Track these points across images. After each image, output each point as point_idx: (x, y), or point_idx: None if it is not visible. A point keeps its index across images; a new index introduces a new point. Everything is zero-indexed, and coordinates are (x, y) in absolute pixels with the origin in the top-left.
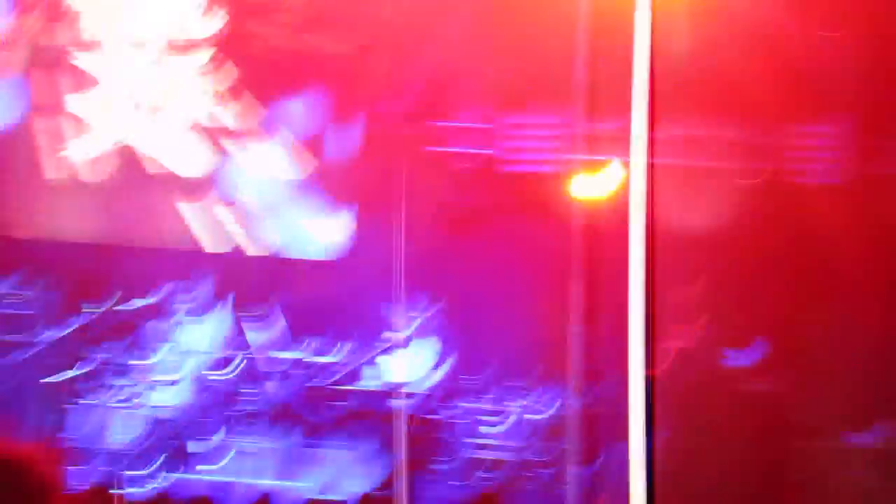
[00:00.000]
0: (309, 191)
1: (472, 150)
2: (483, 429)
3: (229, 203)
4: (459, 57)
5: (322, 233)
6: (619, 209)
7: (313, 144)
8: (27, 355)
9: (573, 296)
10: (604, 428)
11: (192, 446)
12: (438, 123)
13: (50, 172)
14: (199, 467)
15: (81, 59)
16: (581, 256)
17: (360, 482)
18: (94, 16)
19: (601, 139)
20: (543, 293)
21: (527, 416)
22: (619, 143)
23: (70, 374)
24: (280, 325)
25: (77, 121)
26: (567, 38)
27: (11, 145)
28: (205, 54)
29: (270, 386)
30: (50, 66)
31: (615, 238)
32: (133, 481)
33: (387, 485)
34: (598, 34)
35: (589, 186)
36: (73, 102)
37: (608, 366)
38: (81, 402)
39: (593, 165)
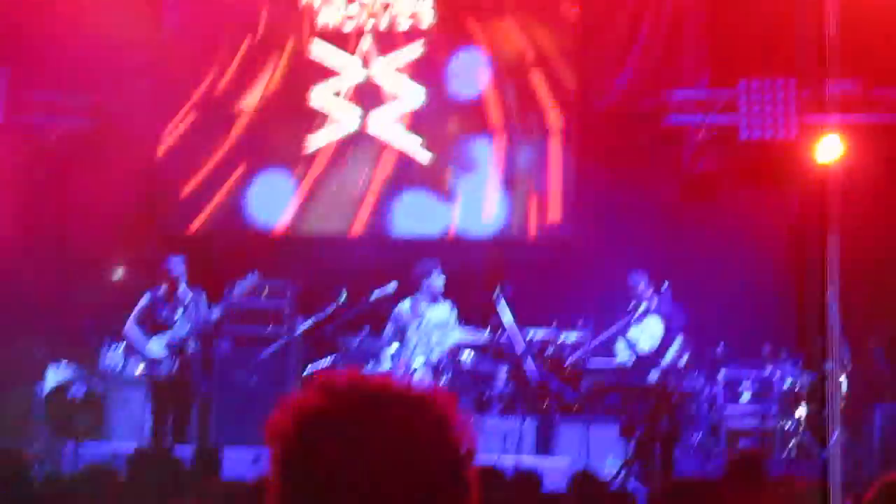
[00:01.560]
0: (546, 167)
1: (713, 119)
2: (741, 396)
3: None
4: (698, 24)
5: (560, 210)
6: (867, 172)
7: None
8: (281, 347)
9: (828, 260)
10: (861, 393)
11: None
12: (676, 93)
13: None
14: None
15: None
16: (831, 220)
17: (613, 457)
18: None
19: (844, 101)
20: (791, 259)
21: (781, 382)
22: (863, 105)
23: (324, 363)
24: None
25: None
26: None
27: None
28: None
29: (520, 365)
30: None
31: (865, 202)
32: None
33: (639, 458)
34: None
35: (834, 150)
36: (315, 93)
37: (863, 331)
38: None
39: (836, 128)
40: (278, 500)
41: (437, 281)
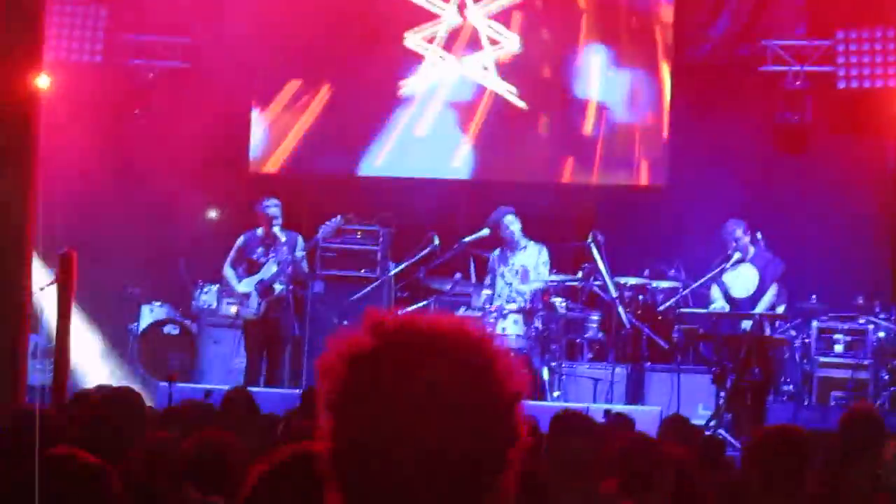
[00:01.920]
0: (642, 116)
1: (809, 68)
2: (834, 346)
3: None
4: None
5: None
6: None
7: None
8: (373, 290)
9: None
10: None
11: (544, 373)
12: (772, 42)
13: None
14: (551, 394)
15: None
16: None
17: (703, 406)
18: None
19: None
20: (883, 210)
21: (874, 334)
22: None
23: (418, 306)
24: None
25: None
26: None
27: None
28: None
29: (612, 312)
30: None
31: None
32: None
33: (731, 407)
34: None
35: None
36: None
37: None
38: None
39: None
40: (326, 439)
41: (513, 227)
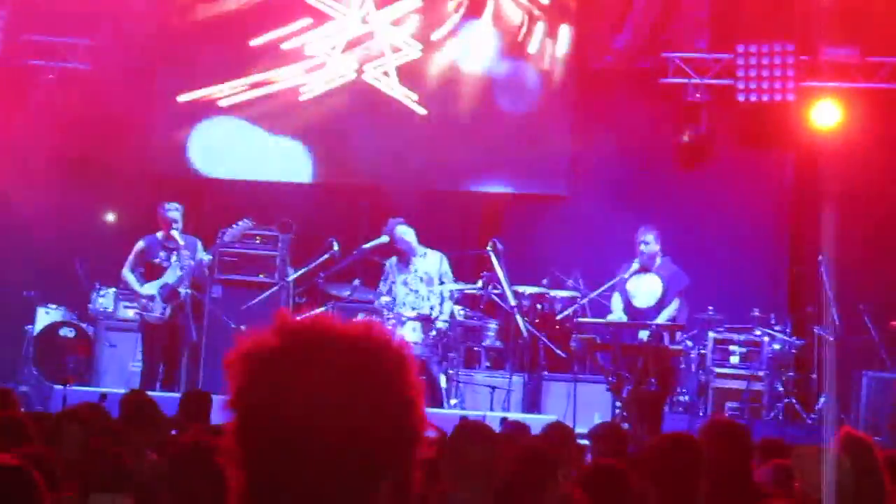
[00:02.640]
0: (543, 125)
1: (709, 81)
2: (730, 358)
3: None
4: None
5: (555, 168)
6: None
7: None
8: (272, 295)
9: (823, 224)
10: (851, 358)
11: (441, 381)
12: (674, 55)
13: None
14: (448, 402)
15: None
16: (826, 186)
17: (600, 415)
18: None
19: (840, 66)
20: (784, 223)
21: (770, 346)
22: (857, 71)
23: (316, 311)
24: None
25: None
26: None
27: None
28: None
29: (511, 320)
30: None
31: (859, 165)
32: None
33: (629, 416)
34: None
35: (829, 115)
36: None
37: (855, 296)
38: None
39: (832, 93)
40: (230, 436)
41: (407, 235)
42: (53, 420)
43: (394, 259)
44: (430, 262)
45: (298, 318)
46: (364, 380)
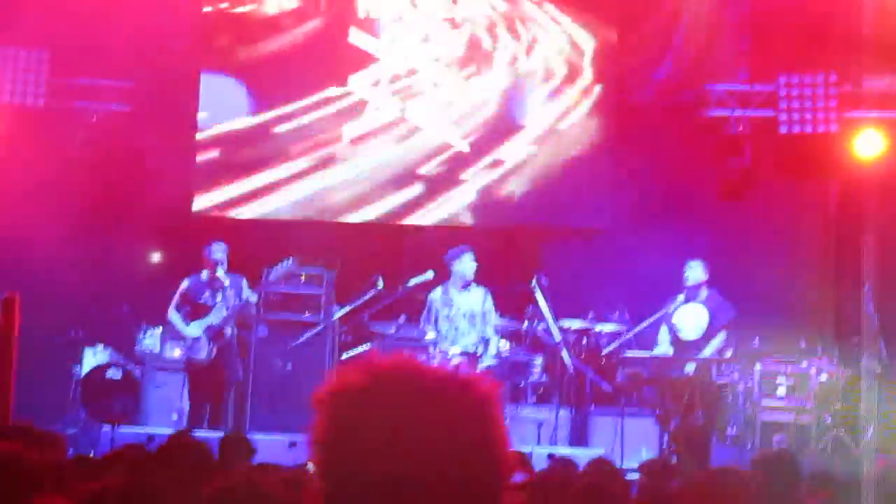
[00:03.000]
0: (584, 162)
1: (751, 113)
2: (777, 390)
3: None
4: (737, 17)
5: (598, 202)
6: None
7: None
8: (317, 334)
9: (864, 254)
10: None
11: None
12: (716, 87)
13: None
14: None
15: (359, 38)
16: (867, 217)
17: (647, 449)
18: None
19: (883, 96)
20: (825, 254)
21: (817, 378)
22: None
23: (362, 349)
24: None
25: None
26: None
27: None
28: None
29: (556, 355)
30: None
31: None
32: None
33: (676, 450)
34: None
35: (872, 145)
36: (354, 81)
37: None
38: None
39: (875, 123)
40: (318, 476)
41: (468, 266)
42: (99, 462)
43: (438, 292)
44: (475, 298)
45: (386, 358)
46: (451, 422)
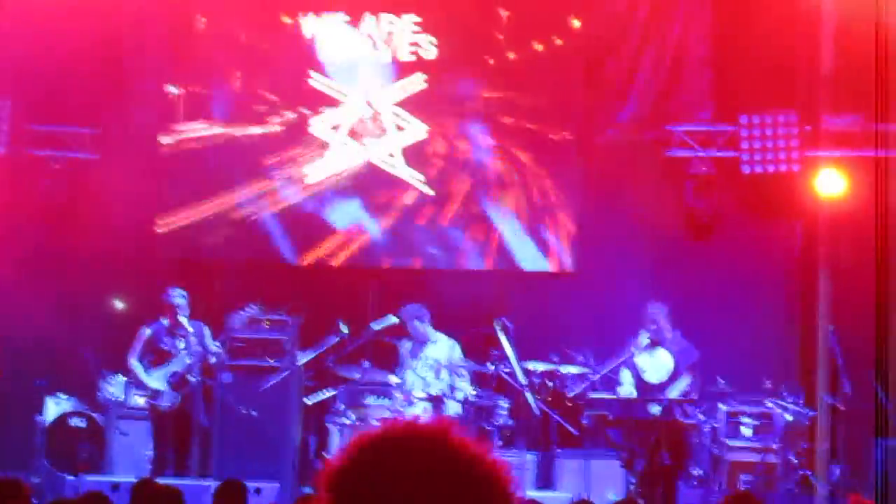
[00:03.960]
0: (547, 198)
1: (714, 153)
2: (742, 430)
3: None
4: (699, 58)
5: (560, 243)
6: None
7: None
8: (282, 380)
9: (822, 295)
10: (858, 427)
11: None
12: (678, 128)
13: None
14: None
15: (319, 82)
16: (828, 255)
17: (613, 492)
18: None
19: (844, 135)
20: (790, 293)
21: (782, 417)
22: (861, 139)
23: (327, 394)
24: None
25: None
26: (806, 36)
27: None
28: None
29: (521, 398)
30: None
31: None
32: None
33: (643, 492)
34: (839, 31)
35: (834, 184)
36: (315, 124)
37: (858, 365)
38: (340, 422)
39: (837, 162)
40: None
41: (422, 327)
42: None
43: (408, 345)
44: (441, 348)
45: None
46: (465, 479)
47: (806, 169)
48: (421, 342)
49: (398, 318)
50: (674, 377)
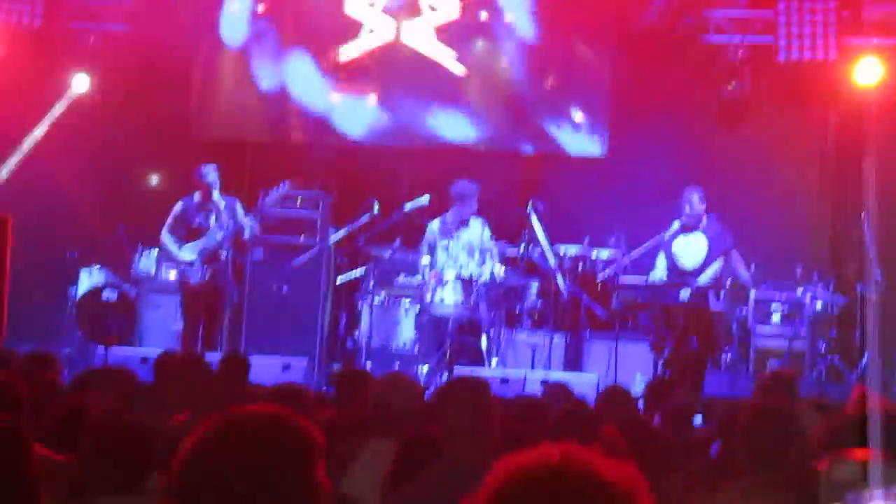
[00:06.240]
0: (583, 84)
1: (750, 39)
2: (772, 317)
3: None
4: None
5: (594, 127)
6: None
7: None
8: (313, 257)
9: (865, 180)
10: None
11: (482, 341)
12: (715, 13)
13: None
14: (489, 362)
15: None
16: (868, 143)
17: (641, 375)
18: None
19: (884, 23)
20: (827, 181)
21: (812, 305)
22: None
23: (355, 274)
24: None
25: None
26: None
27: None
28: None
29: (551, 280)
30: None
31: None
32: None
33: (671, 375)
34: None
35: (870, 71)
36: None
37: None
38: (369, 300)
39: (874, 49)
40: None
41: (472, 206)
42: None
43: (436, 223)
44: (473, 230)
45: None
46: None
47: (843, 56)
48: (460, 222)
49: (455, 192)
50: (708, 261)
